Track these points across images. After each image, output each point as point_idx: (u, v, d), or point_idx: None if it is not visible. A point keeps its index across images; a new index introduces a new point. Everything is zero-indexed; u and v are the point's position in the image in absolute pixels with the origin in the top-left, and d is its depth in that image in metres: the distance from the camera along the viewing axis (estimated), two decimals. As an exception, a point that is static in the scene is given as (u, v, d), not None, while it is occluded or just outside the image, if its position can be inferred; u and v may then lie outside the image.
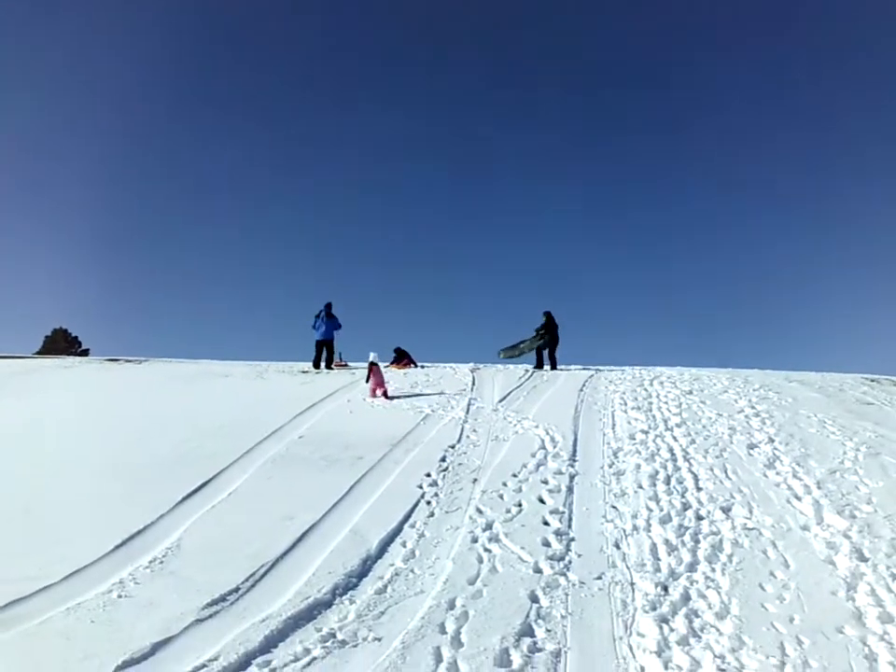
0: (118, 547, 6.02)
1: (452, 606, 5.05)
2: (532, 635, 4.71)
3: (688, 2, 60.46)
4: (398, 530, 6.49)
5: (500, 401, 12.20)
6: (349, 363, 17.63)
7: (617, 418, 10.81)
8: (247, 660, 4.32)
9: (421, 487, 7.64)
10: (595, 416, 10.98)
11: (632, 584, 5.44)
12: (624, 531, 6.48)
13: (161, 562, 5.79)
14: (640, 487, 7.61)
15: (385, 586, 5.39)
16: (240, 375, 16.02)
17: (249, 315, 58.98)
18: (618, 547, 6.14)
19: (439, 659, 4.36)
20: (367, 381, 13.25)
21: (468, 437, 9.78)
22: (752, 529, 6.54)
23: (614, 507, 7.10)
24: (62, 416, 11.82)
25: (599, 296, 62.38)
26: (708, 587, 5.41)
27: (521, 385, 13.97)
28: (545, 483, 7.74)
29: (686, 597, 5.24)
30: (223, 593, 5.18)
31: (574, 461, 8.58)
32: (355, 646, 4.53)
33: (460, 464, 8.50)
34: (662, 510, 6.95)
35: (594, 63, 64.89)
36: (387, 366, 16.98)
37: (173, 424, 10.83)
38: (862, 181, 58.08)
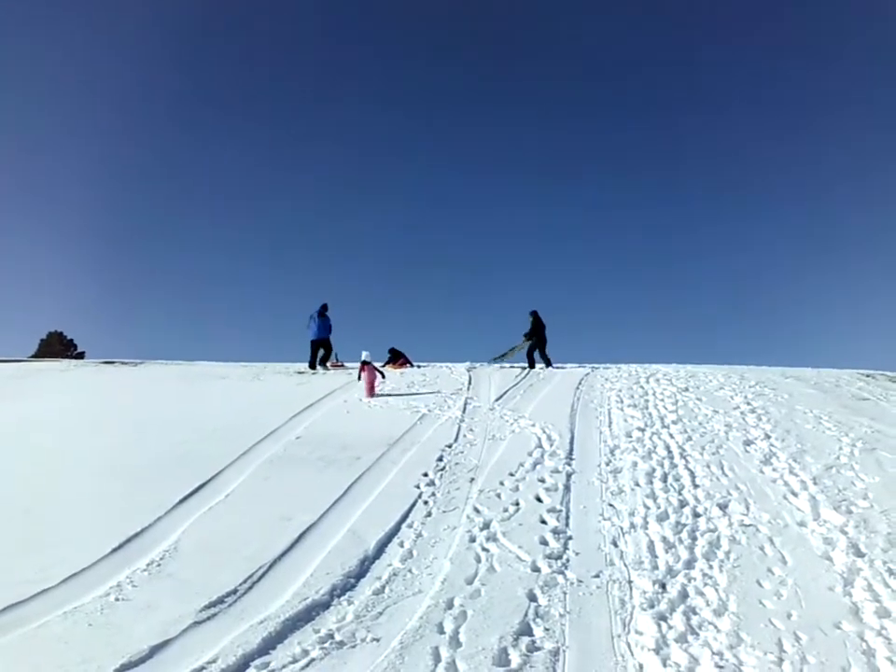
0: (115, 550, 6.01)
1: (450, 605, 5.05)
2: (530, 634, 4.71)
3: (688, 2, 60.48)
4: (395, 530, 6.49)
5: (497, 400, 12.20)
6: (345, 363, 17.63)
7: (613, 416, 10.82)
8: (246, 662, 4.31)
9: (418, 487, 7.64)
10: (592, 414, 11.00)
11: (630, 582, 5.45)
12: (622, 529, 6.49)
13: (159, 564, 5.78)
14: (637, 485, 7.62)
15: (383, 587, 5.39)
16: (236, 376, 16.00)
17: (245, 317, 59.00)
18: (615, 545, 6.15)
19: (437, 659, 4.36)
20: (359, 379, 13.30)
21: (464, 436, 9.79)
22: (749, 526, 6.55)
23: (611, 505, 7.11)
24: (58, 419, 11.79)
25: (595, 293, 62.58)
26: (706, 584, 5.42)
27: (517, 383, 13.98)
28: (542, 481, 7.75)
29: (684, 595, 5.25)
30: (221, 595, 5.17)
31: (571, 459, 8.59)
32: (353, 647, 4.52)
33: (457, 463, 8.51)
34: (659, 507, 6.96)
35: (593, 62, 64.96)
36: (383, 366, 16.99)
37: (169, 425, 10.82)
38: (857, 177, 58.26)
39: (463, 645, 4.53)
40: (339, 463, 8.58)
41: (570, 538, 6.31)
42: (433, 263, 65.22)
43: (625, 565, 5.76)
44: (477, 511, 6.92)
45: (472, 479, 7.89)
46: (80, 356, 34.23)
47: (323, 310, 17.33)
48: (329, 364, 17.35)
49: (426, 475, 8.03)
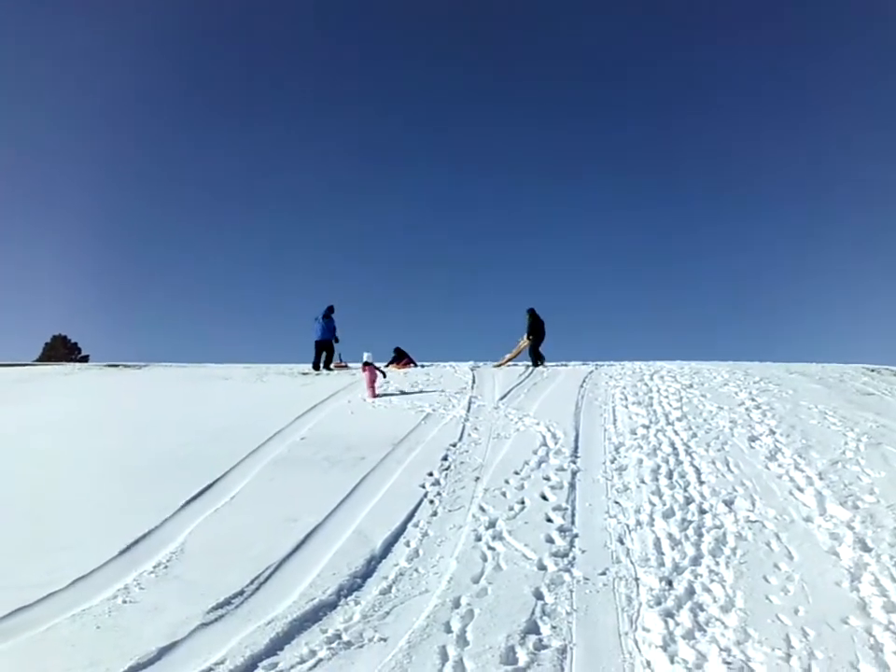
0: (122, 552, 6.02)
1: (457, 604, 5.05)
2: (537, 632, 4.71)
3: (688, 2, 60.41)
4: (401, 530, 6.49)
5: (501, 399, 12.20)
6: (349, 364, 17.63)
7: (618, 413, 10.81)
8: (253, 663, 4.32)
9: (424, 486, 7.64)
10: (596, 412, 10.99)
11: (636, 579, 5.45)
12: (628, 526, 6.48)
13: (166, 566, 5.79)
14: (643, 482, 7.62)
15: (390, 586, 5.39)
16: (240, 378, 16.02)
17: (248, 319, 59.01)
18: (621, 542, 6.15)
19: (444, 658, 4.37)
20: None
21: (469, 435, 9.79)
22: (755, 522, 6.54)
23: (617, 502, 7.10)
24: (62, 422, 11.81)
25: (599, 291, 62.48)
26: (713, 581, 5.41)
27: (521, 382, 13.98)
28: (547, 479, 7.75)
29: (691, 591, 5.24)
30: (228, 596, 5.18)
31: (576, 457, 8.59)
32: (360, 647, 4.53)
33: (462, 462, 8.51)
34: (665, 504, 6.95)
35: (593, 62, 64.88)
36: (387, 366, 17.01)
37: (174, 428, 10.84)
38: (858, 173, 58.13)
39: (470, 644, 4.53)
40: (344, 463, 8.58)
41: (576, 535, 6.31)
42: (435, 263, 65.27)
43: (632, 562, 5.76)
44: (482, 509, 6.92)
45: (477, 478, 7.89)
46: (84, 359, 34.32)
47: (328, 312, 17.37)
48: (332, 365, 17.37)
49: (431, 474, 8.03)
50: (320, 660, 4.36)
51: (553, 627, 4.77)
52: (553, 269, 61.90)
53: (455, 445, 9.24)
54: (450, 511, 6.97)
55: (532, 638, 4.59)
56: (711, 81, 60.25)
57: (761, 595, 5.18)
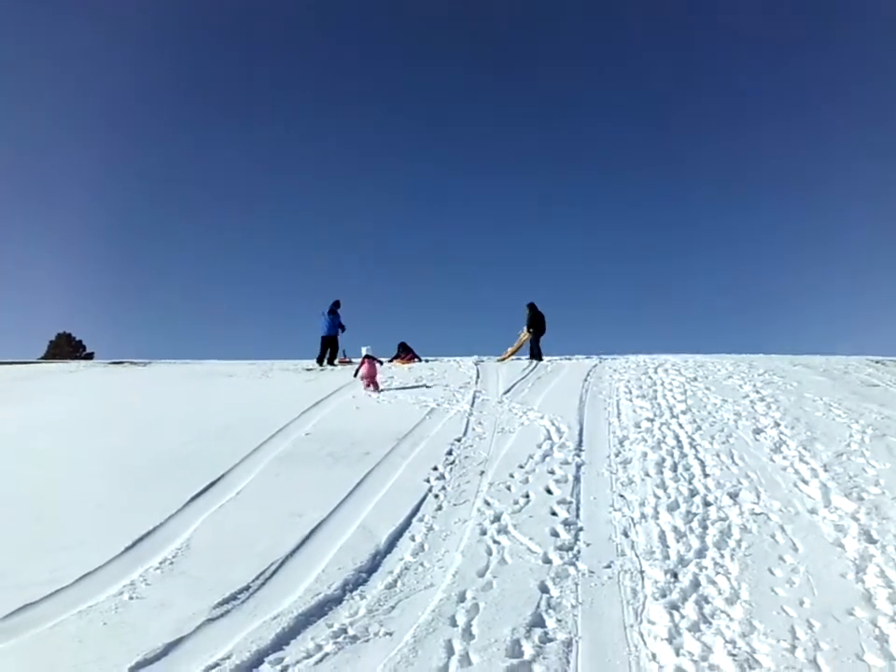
0: (128, 549, 6.04)
1: (462, 598, 5.06)
2: (543, 625, 4.72)
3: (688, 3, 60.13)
4: (406, 524, 6.51)
5: (505, 393, 12.20)
6: (353, 360, 17.64)
7: (622, 407, 10.81)
8: (260, 658, 4.33)
9: (428, 481, 7.65)
10: (601, 406, 10.99)
11: (641, 572, 5.45)
12: (632, 519, 6.48)
13: (172, 562, 5.81)
14: (647, 475, 7.62)
15: (395, 581, 5.40)
16: (245, 374, 16.05)
17: (252, 315, 59.01)
18: (626, 535, 6.15)
19: (450, 652, 4.37)
20: (355, 375, 13.38)
21: (473, 429, 9.80)
22: (760, 514, 6.54)
23: (622, 495, 7.10)
24: (67, 420, 11.84)
25: (602, 286, 62.36)
26: (718, 573, 5.41)
27: (525, 376, 13.97)
28: (552, 473, 7.75)
29: (696, 584, 5.24)
30: (234, 591, 5.20)
31: (580, 451, 8.59)
32: (366, 641, 4.54)
33: (467, 457, 8.52)
34: (669, 497, 6.95)
35: (591, 60, 64.57)
36: (391, 360, 17.02)
37: (179, 424, 10.87)
38: (862, 164, 57.91)
39: (476, 637, 4.54)
40: (348, 459, 8.60)
41: (581, 529, 6.31)
42: (438, 260, 65.07)
43: (637, 555, 5.76)
44: (487, 503, 6.93)
45: (482, 472, 7.90)
46: (89, 357, 34.34)
47: (334, 307, 17.37)
48: (337, 361, 17.39)
49: (435, 469, 8.04)
50: (326, 654, 4.37)
51: (559, 620, 4.77)
52: (556, 264, 61.79)
53: (459, 440, 9.24)
54: (455, 505, 6.98)
55: (538, 632, 4.60)
56: (711, 81, 60.04)
57: (766, 587, 5.18)
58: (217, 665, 4.24)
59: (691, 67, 60.85)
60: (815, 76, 57.47)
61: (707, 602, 4.99)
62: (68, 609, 4.96)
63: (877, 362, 14.77)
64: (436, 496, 7.23)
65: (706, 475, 7.57)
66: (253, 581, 5.40)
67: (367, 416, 11.05)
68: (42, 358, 29.24)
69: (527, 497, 7.08)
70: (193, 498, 7.28)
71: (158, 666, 4.27)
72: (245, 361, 18.47)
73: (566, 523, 6.41)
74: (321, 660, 4.31)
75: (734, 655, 4.31)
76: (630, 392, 11.82)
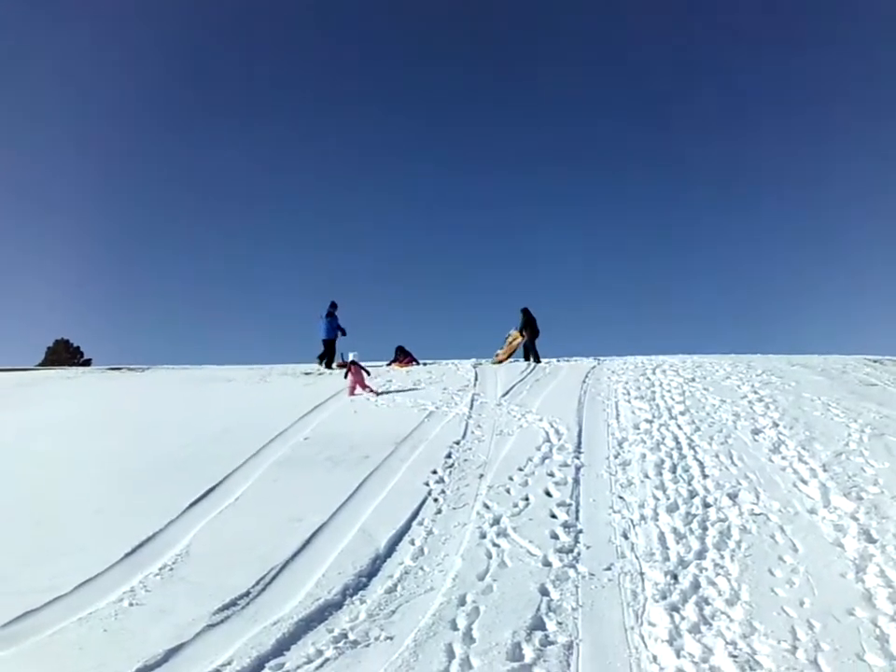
0: (127, 555, 6.04)
1: (462, 602, 5.06)
2: (543, 628, 4.72)
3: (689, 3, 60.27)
4: (406, 528, 6.50)
5: (503, 396, 12.20)
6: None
7: (621, 408, 10.81)
8: (260, 663, 4.33)
9: (427, 484, 7.65)
10: (599, 407, 10.99)
11: (641, 574, 5.45)
12: (632, 521, 6.49)
13: (171, 568, 5.81)
14: (646, 477, 7.62)
15: (396, 585, 5.40)
16: (243, 379, 16.03)
17: (250, 320, 58.93)
18: (626, 537, 6.15)
19: (451, 655, 4.37)
20: (345, 377, 13.40)
21: (472, 432, 9.79)
22: (760, 515, 6.54)
23: (621, 497, 7.10)
24: (66, 426, 11.82)
25: (600, 286, 62.37)
26: (718, 574, 5.42)
27: (523, 378, 13.97)
28: (551, 475, 7.75)
29: (696, 585, 5.25)
30: (234, 597, 5.20)
31: (579, 453, 8.59)
32: (367, 646, 4.54)
33: (466, 460, 8.51)
34: (669, 498, 6.95)
35: (591, 60, 64.67)
36: (389, 364, 17.01)
37: (177, 430, 10.85)
38: (860, 164, 58.04)
39: (476, 641, 4.54)
40: (347, 463, 8.59)
41: (581, 531, 6.31)
42: (436, 262, 65.08)
43: (636, 557, 5.76)
44: (487, 506, 6.93)
45: (481, 475, 7.90)
46: (87, 363, 34.27)
47: (331, 309, 17.35)
48: (335, 364, 17.38)
49: (434, 472, 8.04)
50: (327, 659, 4.37)
51: (559, 623, 4.77)
52: (554, 265, 61.81)
53: (458, 443, 9.24)
54: (454, 508, 6.98)
55: (538, 635, 4.60)
56: (711, 80, 60.16)
57: (766, 588, 5.19)
58: (217, 671, 4.24)
59: (691, 67, 60.96)
60: (814, 75, 57.63)
61: (708, 603, 4.99)
62: (68, 615, 4.96)
63: (875, 361, 14.78)
64: (435, 499, 7.23)
65: (705, 476, 7.58)
66: (253, 586, 5.39)
67: (365, 420, 11.04)
68: (40, 365, 29.18)
69: (527, 499, 7.08)
70: (193, 504, 7.28)
71: (158, 673, 4.27)
72: (244, 366, 18.45)
73: (565, 525, 6.41)
74: (322, 665, 4.31)
75: (734, 657, 4.31)
76: (629, 393, 11.82)
